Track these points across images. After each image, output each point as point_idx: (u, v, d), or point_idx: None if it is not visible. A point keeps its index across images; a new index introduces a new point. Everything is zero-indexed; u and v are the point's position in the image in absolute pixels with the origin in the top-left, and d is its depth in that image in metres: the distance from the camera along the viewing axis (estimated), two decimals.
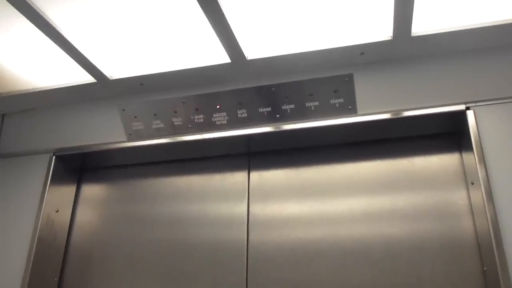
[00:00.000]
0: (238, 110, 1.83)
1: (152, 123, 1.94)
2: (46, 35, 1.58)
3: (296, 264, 1.78)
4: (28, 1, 1.42)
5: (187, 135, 1.91)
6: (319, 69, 1.73)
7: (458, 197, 1.71)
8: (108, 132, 2.00)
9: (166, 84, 1.86)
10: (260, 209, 1.92)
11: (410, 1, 1.38)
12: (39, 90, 1.93)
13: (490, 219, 1.46)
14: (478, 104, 1.63)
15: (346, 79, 1.71)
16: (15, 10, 1.45)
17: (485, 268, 1.55)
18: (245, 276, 1.81)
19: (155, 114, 1.92)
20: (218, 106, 1.81)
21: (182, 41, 1.63)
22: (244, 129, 1.84)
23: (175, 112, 1.90)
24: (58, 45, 1.63)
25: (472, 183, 1.63)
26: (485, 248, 1.54)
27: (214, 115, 1.86)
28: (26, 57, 1.73)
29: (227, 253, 1.87)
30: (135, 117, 1.95)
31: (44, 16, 1.49)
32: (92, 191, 2.22)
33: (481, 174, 1.53)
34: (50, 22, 1.52)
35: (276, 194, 1.93)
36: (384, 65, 1.70)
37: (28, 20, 1.50)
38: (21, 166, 2.12)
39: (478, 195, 1.55)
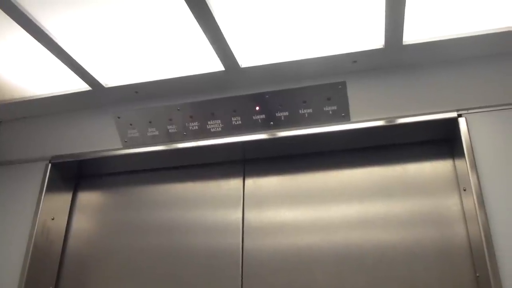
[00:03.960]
0: (233, 118, 1.84)
1: (147, 131, 1.95)
2: (41, 44, 1.59)
3: (291, 270, 1.78)
4: (23, 10, 1.43)
5: (182, 143, 1.92)
6: (312, 77, 1.75)
7: (451, 203, 1.72)
8: (103, 140, 2.01)
9: (161, 92, 1.87)
10: (255, 216, 1.92)
11: (401, 10, 1.39)
12: (35, 98, 1.93)
13: (481, 225, 1.47)
14: (470, 111, 1.64)
15: (339, 86, 1.73)
16: (10, 19, 1.46)
17: (477, 274, 1.56)
18: (240, 283, 1.81)
19: (150, 122, 1.93)
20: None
21: (176, 50, 1.64)
22: (238, 136, 1.86)
23: (170, 119, 1.90)
24: (53, 54, 1.64)
25: (465, 189, 1.65)
26: (477, 254, 1.55)
27: (209, 123, 1.87)
28: (22, 65, 1.74)
29: (222, 259, 1.88)
30: (131, 124, 1.95)
31: (38, 24, 1.50)
32: (88, 198, 2.22)
33: (472, 180, 1.54)
34: (45, 30, 1.53)
35: (270, 200, 1.93)
36: (376, 73, 1.71)
37: (23, 29, 1.51)
38: (17, 174, 2.12)
39: (470, 201, 1.56)
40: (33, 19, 1.47)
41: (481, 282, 1.52)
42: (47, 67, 1.74)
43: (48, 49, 1.62)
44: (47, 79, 1.83)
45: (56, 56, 1.66)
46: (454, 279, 1.61)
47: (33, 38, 1.56)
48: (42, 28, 1.52)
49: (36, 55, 1.67)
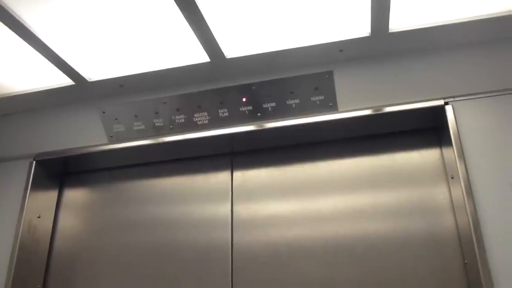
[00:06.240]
0: (219, 110, 1.82)
1: (133, 125, 1.92)
2: (22, 38, 1.56)
3: (281, 263, 1.77)
4: (3, 5, 1.40)
5: (169, 136, 1.90)
6: (299, 67, 1.73)
7: (439, 192, 1.72)
8: (88, 135, 1.98)
9: (146, 84, 1.85)
10: (244, 209, 1.91)
11: None
12: (17, 94, 1.90)
13: (469, 213, 1.48)
14: (456, 99, 1.65)
15: (326, 76, 1.72)
16: None
17: (466, 261, 1.57)
18: (230, 276, 1.80)
19: (135, 116, 1.91)
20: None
21: (161, 41, 1.61)
22: (226, 128, 1.84)
23: (156, 113, 1.88)
24: (34, 48, 1.61)
25: (452, 178, 1.65)
26: (465, 241, 1.55)
27: (195, 115, 1.85)
28: (2, 61, 1.70)
29: (212, 254, 1.86)
30: (116, 119, 1.93)
31: (19, 19, 1.47)
32: (74, 195, 2.20)
33: (460, 168, 1.55)
34: (25, 25, 1.49)
35: (259, 193, 1.92)
36: (363, 61, 1.71)
37: (3, 24, 1.48)
38: (0, 172, 2.08)
39: (458, 189, 1.56)
40: (13, 13, 1.44)
41: (470, 268, 1.53)
42: (28, 62, 1.71)
43: (28, 44, 1.59)
44: (29, 75, 1.80)
45: (38, 51, 1.63)
46: (443, 266, 1.62)
47: (13, 32, 1.53)
48: (22, 22, 1.49)
49: (17, 50, 1.64)
